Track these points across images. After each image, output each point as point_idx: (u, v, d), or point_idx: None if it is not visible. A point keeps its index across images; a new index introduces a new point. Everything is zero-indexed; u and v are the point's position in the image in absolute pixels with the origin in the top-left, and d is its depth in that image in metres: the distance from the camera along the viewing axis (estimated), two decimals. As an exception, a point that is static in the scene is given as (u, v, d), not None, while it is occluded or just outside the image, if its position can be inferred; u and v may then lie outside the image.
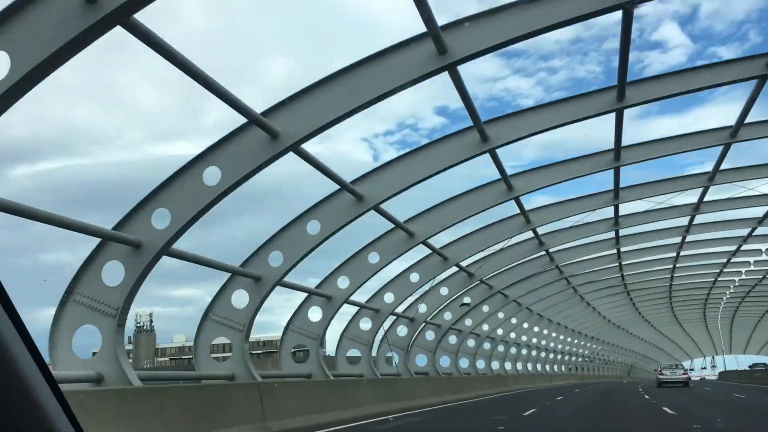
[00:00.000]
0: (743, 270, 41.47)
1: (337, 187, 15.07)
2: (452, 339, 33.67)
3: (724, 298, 53.91)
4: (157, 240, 11.59)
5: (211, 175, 11.54)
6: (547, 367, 54.06)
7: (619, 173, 18.88)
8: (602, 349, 70.20)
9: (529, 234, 25.17)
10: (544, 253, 28.64)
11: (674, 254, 33.84)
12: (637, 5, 12.40)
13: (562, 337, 52.45)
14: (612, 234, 28.25)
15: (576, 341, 57.67)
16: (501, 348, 39.39)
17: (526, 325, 40.66)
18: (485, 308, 31.35)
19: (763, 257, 36.17)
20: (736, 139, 16.33)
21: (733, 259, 36.45)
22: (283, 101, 11.37)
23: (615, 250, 31.33)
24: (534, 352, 47.21)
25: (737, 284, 47.01)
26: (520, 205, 20.66)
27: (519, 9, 10.51)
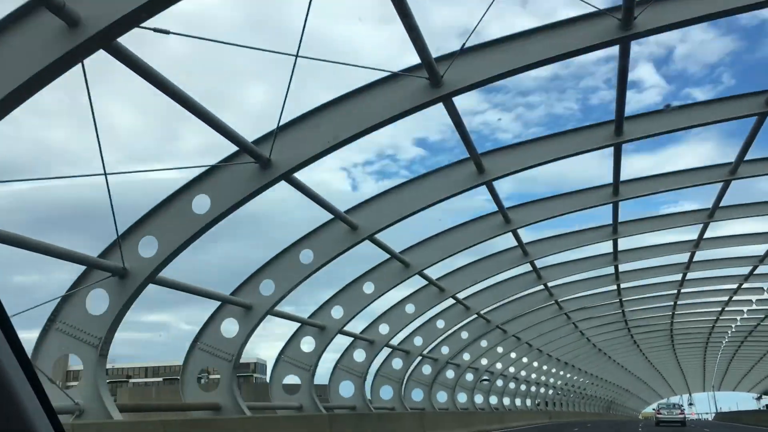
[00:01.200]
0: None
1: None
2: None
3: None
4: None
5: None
6: (506, 401, 43.12)
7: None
8: (581, 379, 59.39)
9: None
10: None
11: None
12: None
13: (535, 364, 43.11)
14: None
15: (551, 369, 47.96)
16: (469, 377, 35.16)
17: (501, 350, 35.17)
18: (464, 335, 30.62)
19: (765, 296, 35.82)
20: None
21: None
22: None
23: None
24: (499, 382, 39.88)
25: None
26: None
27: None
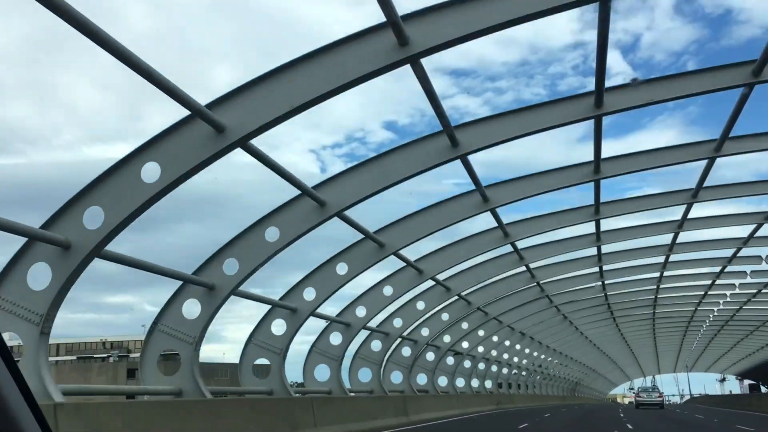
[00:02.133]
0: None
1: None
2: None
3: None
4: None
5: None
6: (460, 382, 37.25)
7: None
8: (549, 359, 54.10)
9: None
10: (524, 268, 27.74)
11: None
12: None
13: (494, 338, 37.58)
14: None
15: (514, 345, 42.67)
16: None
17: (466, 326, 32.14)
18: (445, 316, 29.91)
19: (748, 279, 35.53)
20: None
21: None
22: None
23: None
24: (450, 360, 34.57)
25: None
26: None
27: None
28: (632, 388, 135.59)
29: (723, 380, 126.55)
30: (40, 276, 10.65)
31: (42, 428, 1.44)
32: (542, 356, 51.83)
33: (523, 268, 27.63)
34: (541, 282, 30.95)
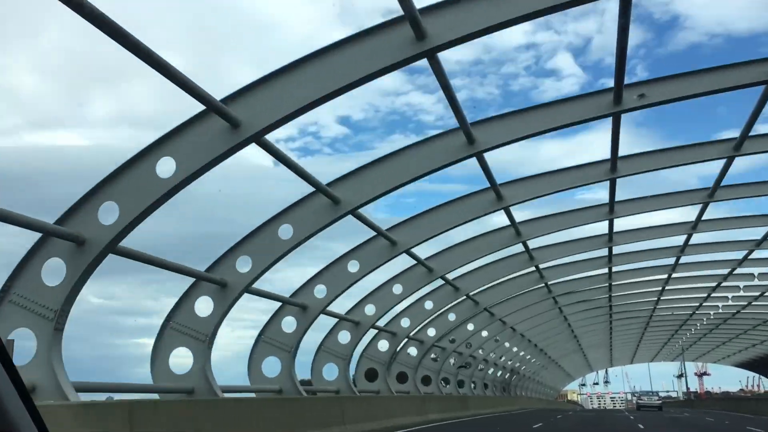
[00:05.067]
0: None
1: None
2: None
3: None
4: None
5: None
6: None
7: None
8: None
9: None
10: (534, 269, 27.51)
11: (666, 275, 32.68)
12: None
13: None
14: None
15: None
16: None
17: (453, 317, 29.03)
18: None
19: (756, 282, 35.21)
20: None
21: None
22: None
23: (607, 269, 30.21)
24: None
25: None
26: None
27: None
28: (584, 384, 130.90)
29: (680, 376, 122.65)
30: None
31: (38, 428, 1.42)
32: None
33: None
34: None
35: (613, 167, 16.10)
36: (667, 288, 36.23)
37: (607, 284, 33.68)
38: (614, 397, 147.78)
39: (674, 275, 32.64)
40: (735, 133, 15.13)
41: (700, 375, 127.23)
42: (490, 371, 43.85)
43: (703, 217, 22.27)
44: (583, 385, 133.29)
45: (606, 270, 30.19)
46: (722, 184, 18.44)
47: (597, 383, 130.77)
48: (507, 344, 41.12)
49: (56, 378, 10.19)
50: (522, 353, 46.99)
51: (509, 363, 47.17)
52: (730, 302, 42.33)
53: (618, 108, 12.59)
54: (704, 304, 42.47)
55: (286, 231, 14.59)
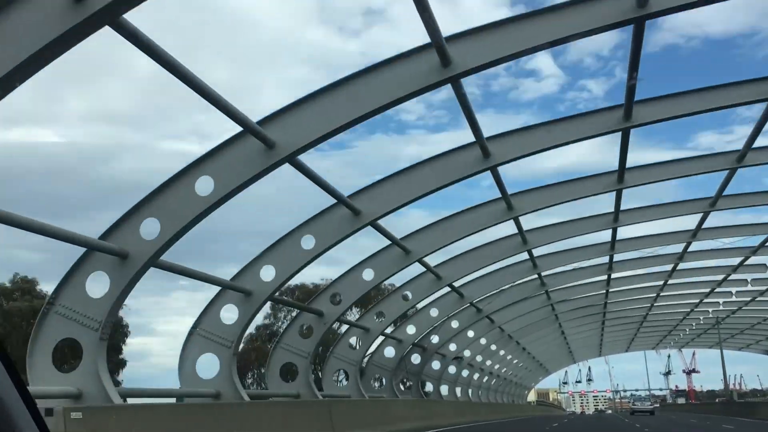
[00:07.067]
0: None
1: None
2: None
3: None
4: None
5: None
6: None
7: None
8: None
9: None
10: (535, 276, 28.04)
11: (662, 282, 33.26)
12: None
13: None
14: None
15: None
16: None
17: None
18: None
19: (749, 288, 35.67)
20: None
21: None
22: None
23: (606, 276, 30.76)
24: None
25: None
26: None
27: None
28: (566, 382, 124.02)
29: (668, 374, 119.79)
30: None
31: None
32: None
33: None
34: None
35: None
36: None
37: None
38: (597, 396, 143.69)
39: (670, 281, 33.24)
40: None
41: (689, 372, 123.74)
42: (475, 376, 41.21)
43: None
44: (565, 383, 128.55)
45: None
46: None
47: (579, 381, 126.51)
48: (494, 346, 39.05)
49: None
50: (502, 352, 43.18)
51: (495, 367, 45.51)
52: (721, 307, 43.06)
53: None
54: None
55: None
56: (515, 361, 49.72)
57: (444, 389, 34.73)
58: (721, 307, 43.34)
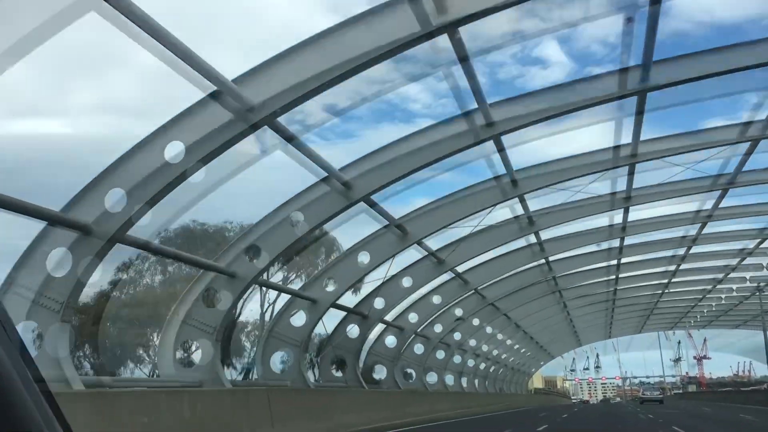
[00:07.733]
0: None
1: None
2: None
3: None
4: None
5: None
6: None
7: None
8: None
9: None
10: (543, 261, 26.91)
11: (674, 267, 32.12)
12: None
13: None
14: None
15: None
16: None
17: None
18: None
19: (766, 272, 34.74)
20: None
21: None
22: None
23: (615, 261, 29.63)
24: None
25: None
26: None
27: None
28: (573, 369, 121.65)
29: (678, 360, 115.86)
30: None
31: (63, 428, 1.37)
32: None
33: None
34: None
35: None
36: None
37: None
38: (606, 384, 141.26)
39: (683, 266, 32.12)
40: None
41: (700, 359, 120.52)
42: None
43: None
44: (573, 371, 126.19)
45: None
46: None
47: (587, 368, 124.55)
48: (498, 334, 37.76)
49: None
50: (509, 341, 42.44)
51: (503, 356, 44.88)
52: (735, 293, 41.96)
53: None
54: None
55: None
56: (510, 343, 44.74)
57: (432, 378, 32.35)
58: (734, 293, 42.01)
